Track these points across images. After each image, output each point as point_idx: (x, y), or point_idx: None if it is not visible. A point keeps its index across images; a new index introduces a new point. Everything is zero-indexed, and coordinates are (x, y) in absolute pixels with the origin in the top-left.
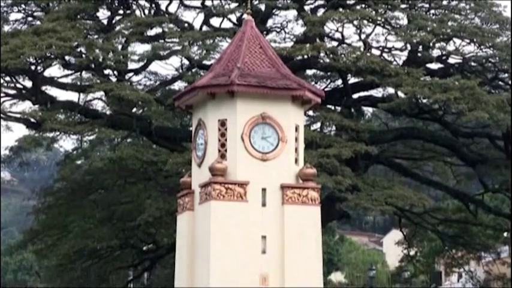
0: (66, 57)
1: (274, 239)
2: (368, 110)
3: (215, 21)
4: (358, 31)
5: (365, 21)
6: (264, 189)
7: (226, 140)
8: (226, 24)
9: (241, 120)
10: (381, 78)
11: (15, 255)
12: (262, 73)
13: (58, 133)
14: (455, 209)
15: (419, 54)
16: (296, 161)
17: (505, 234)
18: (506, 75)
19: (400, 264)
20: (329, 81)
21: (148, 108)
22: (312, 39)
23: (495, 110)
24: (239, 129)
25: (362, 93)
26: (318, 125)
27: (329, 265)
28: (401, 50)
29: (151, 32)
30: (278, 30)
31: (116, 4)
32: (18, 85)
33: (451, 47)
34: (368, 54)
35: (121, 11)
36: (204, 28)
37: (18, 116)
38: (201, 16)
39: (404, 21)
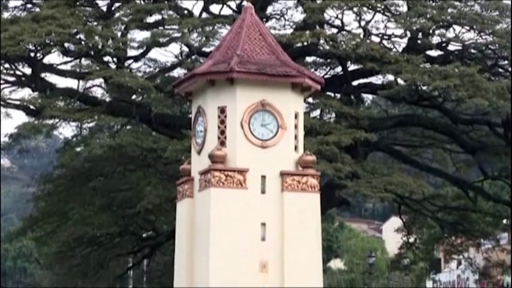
0: (66, 44)
1: (273, 226)
2: (368, 97)
3: (215, 8)
4: (358, 18)
5: (365, 8)
6: (263, 177)
7: (225, 127)
8: (226, 11)
9: (241, 108)
10: (380, 65)
11: (14, 242)
12: (261, 60)
13: (57, 120)
14: (454, 196)
15: (419, 41)
16: (296, 148)
17: (504, 221)
18: (506, 62)
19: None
20: (329, 68)
21: (148, 95)
22: (312, 26)
23: (495, 97)
24: (239, 116)
25: (362, 80)
26: (318, 112)
27: (328, 252)
28: (401, 37)
29: (151, 19)
30: (278, 17)
31: None
32: (17, 72)
33: (450, 34)
34: (368, 41)
35: None
36: (204, 15)
37: (18, 103)
38: (201, 3)
39: (404, 8)
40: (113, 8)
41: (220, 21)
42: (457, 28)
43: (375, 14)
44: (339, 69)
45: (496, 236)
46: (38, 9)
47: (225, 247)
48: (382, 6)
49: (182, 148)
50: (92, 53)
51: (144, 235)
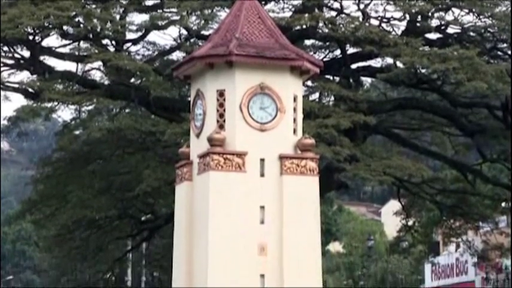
0: (64, 27)
1: (272, 209)
2: (367, 80)
3: None
4: (357, 1)
5: None
6: (262, 160)
7: (224, 110)
8: None
9: (240, 91)
10: (379, 48)
11: (13, 225)
12: (260, 43)
13: (56, 103)
14: (453, 179)
15: (418, 24)
16: (294, 131)
17: (503, 204)
18: (505, 45)
19: (398, 234)
20: (328, 51)
21: (147, 78)
22: (311, 9)
23: (494, 80)
24: (237, 99)
25: (361, 64)
26: (317, 95)
27: (327, 235)
28: (400, 20)
29: (150, 2)
30: (276, 0)
31: None
32: (16, 55)
33: (449, 16)
34: (367, 24)
35: None
36: None
37: (17, 86)
38: None
39: None
40: None
41: (219, 4)
42: (456, 11)
43: None
44: (337, 52)
45: (495, 219)
46: None
47: (224, 230)
48: None
49: (181, 131)
50: (91, 35)
51: (143, 218)
